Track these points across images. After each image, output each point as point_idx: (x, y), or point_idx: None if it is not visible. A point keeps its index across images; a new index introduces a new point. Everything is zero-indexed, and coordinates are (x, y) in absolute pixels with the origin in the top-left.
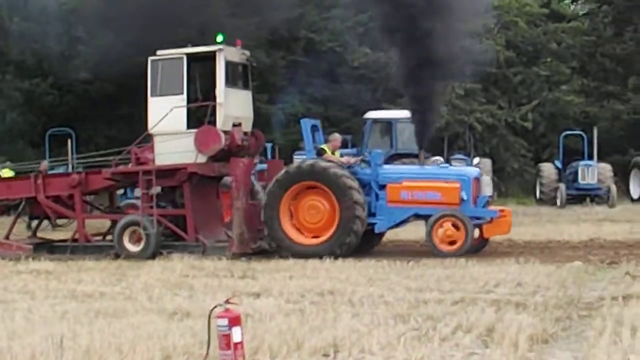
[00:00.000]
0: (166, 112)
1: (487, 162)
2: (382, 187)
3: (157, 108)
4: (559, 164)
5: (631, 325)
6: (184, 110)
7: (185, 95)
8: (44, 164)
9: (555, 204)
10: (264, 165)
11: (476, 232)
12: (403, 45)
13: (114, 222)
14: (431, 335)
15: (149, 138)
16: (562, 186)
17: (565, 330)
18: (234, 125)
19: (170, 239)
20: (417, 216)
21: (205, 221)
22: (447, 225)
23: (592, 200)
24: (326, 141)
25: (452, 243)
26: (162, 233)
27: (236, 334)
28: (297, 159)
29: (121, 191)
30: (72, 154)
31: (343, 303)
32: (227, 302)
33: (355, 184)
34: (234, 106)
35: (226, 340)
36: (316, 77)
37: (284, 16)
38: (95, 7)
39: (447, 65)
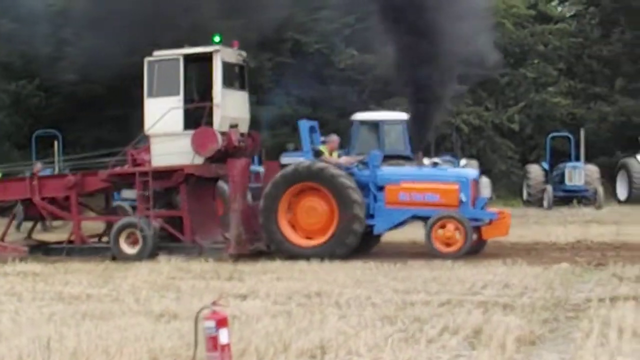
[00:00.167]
0: (163, 113)
1: (474, 164)
2: (381, 188)
3: (153, 109)
4: (546, 165)
5: (618, 326)
6: (181, 111)
7: (182, 96)
8: (38, 166)
9: (542, 205)
10: (259, 168)
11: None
12: (403, 46)
13: (110, 224)
14: (418, 337)
15: (144, 139)
16: (549, 188)
17: (553, 331)
18: (231, 127)
19: (166, 241)
20: (416, 218)
21: (202, 222)
22: (446, 226)
23: (579, 202)
24: (323, 142)
25: (450, 245)
26: (158, 235)
27: (223, 336)
28: (285, 160)
29: None
30: (58, 156)
31: (330, 305)
32: (214, 304)
33: (352, 183)
34: (230, 107)
35: (213, 342)
36: (303, 79)
37: (274, 17)
38: (82, 9)
39: (447, 68)
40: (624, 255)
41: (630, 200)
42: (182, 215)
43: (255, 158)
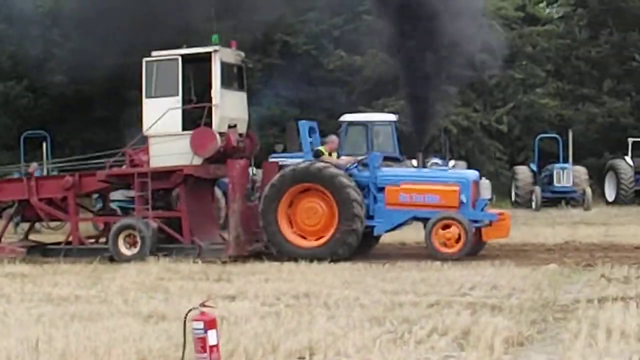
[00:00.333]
0: (161, 114)
1: (463, 165)
2: (381, 189)
3: (152, 110)
4: (534, 166)
5: (606, 327)
6: (179, 112)
7: (180, 97)
8: (33, 166)
9: (530, 206)
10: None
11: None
12: (404, 49)
13: (107, 225)
14: (407, 338)
15: (137, 140)
16: (538, 189)
17: (541, 332)
18: (230, 127)
19: (164, 242)
20: (416, 219)
21: (201, 223)
22: (447, 228)
23: (567, 203)
24: (323, 143)
25: (451, 246)
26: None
27: (212, 337)
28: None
29: (95, 195)
30: (46, 157)
31: (318, 306)
32: (202, 305)
33: (352, 183)
34: (229, 108)
35: (202, 343)
36: (292, 80)
37: (266, 19)
38: (71, 10)
39: (448, 70)
40: (612, 256)
41: (619, 201)
42: (181, 216)
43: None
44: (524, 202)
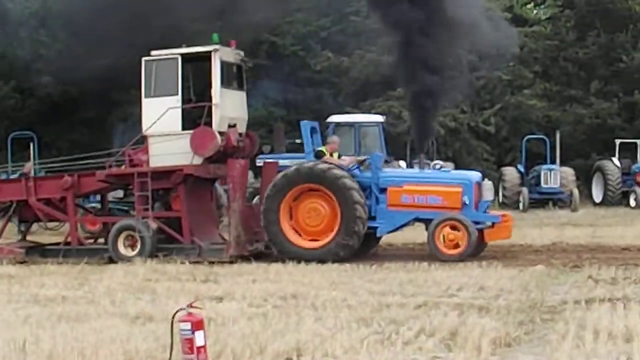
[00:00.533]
0: (161, 113)
1: (450, 166)
2: (383, 190)
3: (151, 109)
4: (521, 168)
5: (594, 328)
6: (179, 111)
7: (180, 96)
8: (28, 166)
9: (518, 208)
10: None
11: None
12: (407, 50)
13: (106, 225)
14: (394, 339)
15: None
16: (525, 190)
17: (528, 334)
18: (230, 127)
19: (164, 242)
20: (418, 220)
21: (200, 223)
22: (449, 229)
23: (554, 204)
24: (324, 143)
25: (453, 247)
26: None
27: (199, 338)
28: (260, 163)
29: None
30: (34, 157)
31: (306, 307)
32: (189, 306)
33: (355, 184)
34: (229, 107)
35: (189, 344)
36: (279, 81)
37: (255, 20)
38: (58, 12)
39: (450, 71)
40: (600, 257)
41: (606, 202)
42: (181, 216)
43: None
44: (511, 204)
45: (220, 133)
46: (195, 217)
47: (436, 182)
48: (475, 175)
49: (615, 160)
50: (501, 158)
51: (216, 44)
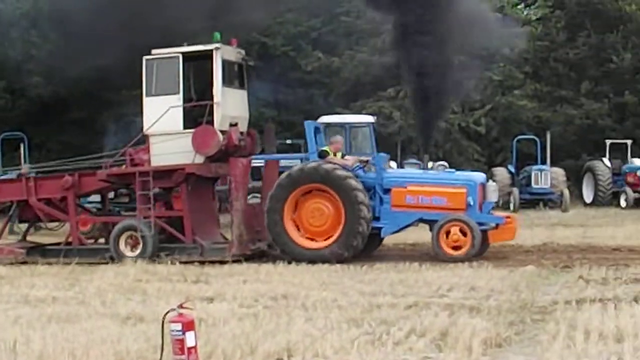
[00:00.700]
0: (162, 112)
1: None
2: (387, 191)
3: (152, 108)
4: (512, 168)
5: (584, 329)
6: (180, 110)
7: (181, 95)
8: (26, 168)
9: (508, 208)
10: None
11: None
12: (412, 51)
13: (106, 224)
14: (385, 340)
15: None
16: (515, 191)
17: (519, 334)
18: (231, 125)
19: (165, 241)
20: (422, 221)
21: (202, 223)
22: (454, 230)
23: (545, 205)
24: (329, 143)
25: (458, 248)
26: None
27: (190, 339)
28: (254, 163)
29: None
30: (24, 158)
31: (296, 307)
32: (180, 306)
33: (359, 185)
34: (230, 106)
35: (180, 345)
36: (269, 82)
37: (248, 20)
38: (49, 12)
39: (456, 73)
40: (590, 257)
41: (596, 202)
42: (183, 216)
43: None
44: (502, 204)
45: (222, 132)
46: (196, 216)
47: (440, 183)
48: (479, 176)
49: (606, 160)
50: (492, 158)
51: (217, 42)
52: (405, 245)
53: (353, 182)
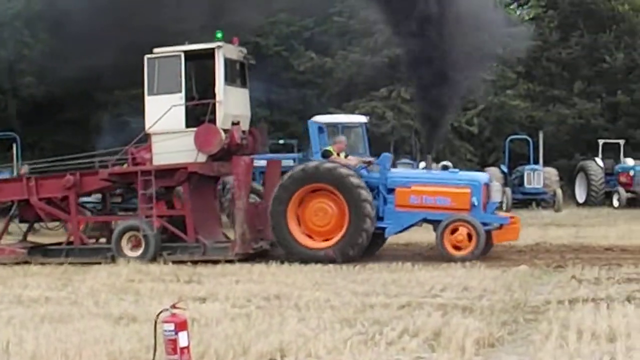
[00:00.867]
0: (164, 111)
1: (437, 167)
2: (391, 191)
3: (154, 107)
4: (504, 168)
5: (577, 328)
6: (182, 109)
7: (183, 94)
8: (24, 168)
9: (501, 208)
10: None
11: None
12: (416, 51)
13: (107, 224)
14: (378, 340)
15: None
16: (508, 190)
17: (512, 334)
18: (233, 124)
19: (167, 240)
20: (426, 221)
21: (204, 222)
22: (458, 230)
23: (538, 205)
24: (332, 143)
25: (462, 248)
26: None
27: (182, 339)
28: None
29: None
30: (17, 158)
31: (289, 307)
32: (173, 306)
33: (362, 182)
34: (232, 104)
35: (172, 345)
36: (262, 82)
37: (244, 20)
38: (41, 12)
39: (461, 73)
40: (583, 257)
41: (589, 202)
42: (185, 215)
43: None
44: None
45: (224, 130)
46: (199, 215)
47: (445, 183)
48: (483, 176)
49: (599, 160)
50: (484, 158)
51: (219, 41)
52: (398, 245)
53: (356, 180)
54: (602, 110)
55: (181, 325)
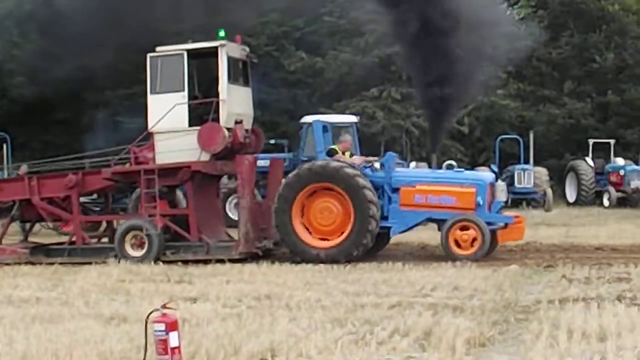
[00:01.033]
0: (167, 110)
1: (424, 167)
2: (395, 190)
3: (157, 106)
4: (495, 168)
5: (567, 328)
6: (185, 108)
7: (186, 92)
8: (24, 168)
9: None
10: None
11: None
12: (420, 50)
13: (109, 224)
14: (368, 339)
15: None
16: None
17: (502, 333)
18: (236, 123)
19: (169, 240)
20: (431, 220)
21: (207, 220)
22: (463, 230)
23: (528, 204)
24: (337, 142)
25: (467, 248)
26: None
27: (173, 339)
28: None
29: None
30: (7, 159)
31: (280, 307)
32: (164, 307)
33: (368, 183)
34: (236, 103)
35: (163, 345)
36: (253, 81)
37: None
38: (31, 12)
39: (465, 72)
40: (573, 257)
41: (579, 202)
42: (189, 214)
43: None
44: None
45: (228, 129)
46: (202, 214)
47: (450, 182)
48: (488, 175)
49: (589, 160)
50: (475, 158)
51: (222, 39)
52: (389, 245)
53: (362, 181)
54: (592, 110)
55: (172, 326)
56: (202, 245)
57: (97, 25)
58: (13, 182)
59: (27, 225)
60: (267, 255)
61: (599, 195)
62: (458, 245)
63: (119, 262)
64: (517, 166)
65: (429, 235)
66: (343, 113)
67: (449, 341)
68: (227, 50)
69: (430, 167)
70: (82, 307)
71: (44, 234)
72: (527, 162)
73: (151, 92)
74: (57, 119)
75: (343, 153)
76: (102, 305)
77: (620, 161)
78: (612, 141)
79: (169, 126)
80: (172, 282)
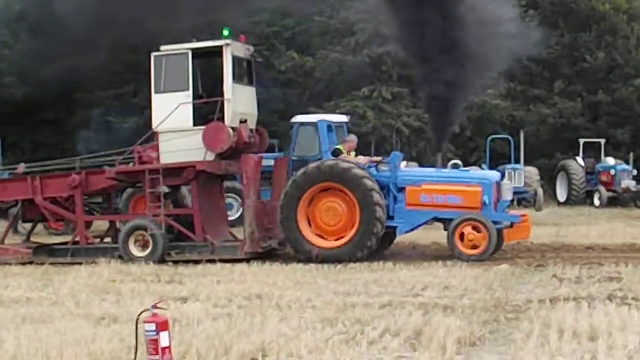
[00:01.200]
0: (171, 109)
1: (415, 166)
2: (401, 189)
3: (161, 105)
4: (485, 167)
5: (558, 327)
6: (190, 107)
7: (190, 92)
8: (21, 167)
9: None
10: None
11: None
12: (424, 49)
13: (112, 223)
14: (359, 339)
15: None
16: None
17: (493, 333)
18: (241, 122)
19: (174, 240)
20: (437, 220)
21: (212, 220)
22: (469, 229)
23: (519, 204)
24: (342, 142)
25: (473, 247)
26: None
27: (164, 339)
28: None
29: None
30: None
31: (271, 307)
32: (154, 306)
33: (376, 185)
34: (240, 102)
35: (154, 345)
36: None
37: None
38: (21, 12)
39: (470, 71)
40: (564, 256)
41: (570, 201)
42: (193, 213)
43: None
44: None
45: (232, 129)
46: (206, 214)
47: (455, 181)
48: (494, 174)
49: (579, 159)
50: (465, 158)
51: (227, 38)
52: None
53: (370, 183)
54: (582, 110)
55: (162, 325)
56: (206, 245)
57: (87, 26)
58: (16, 181)
59: (19, 223)
60: (269, 255)
61: (589, 194)
62: (464, 244)
63: (109, 262)
64: (508, 166)
65: (440, 235)
66: (333, 112)
67: (439, 340)
68: (232, 50)
69: (434, 166)
70: (73, 307)
71: (34, 234)
72: (517, 161)
73: (155, 92)
74: (48, 119)
75: (348, 152)
76: (92, 305)
77: (610, 161)
78: (602, 141)
79: (174, 125)
80: (162, 282)
